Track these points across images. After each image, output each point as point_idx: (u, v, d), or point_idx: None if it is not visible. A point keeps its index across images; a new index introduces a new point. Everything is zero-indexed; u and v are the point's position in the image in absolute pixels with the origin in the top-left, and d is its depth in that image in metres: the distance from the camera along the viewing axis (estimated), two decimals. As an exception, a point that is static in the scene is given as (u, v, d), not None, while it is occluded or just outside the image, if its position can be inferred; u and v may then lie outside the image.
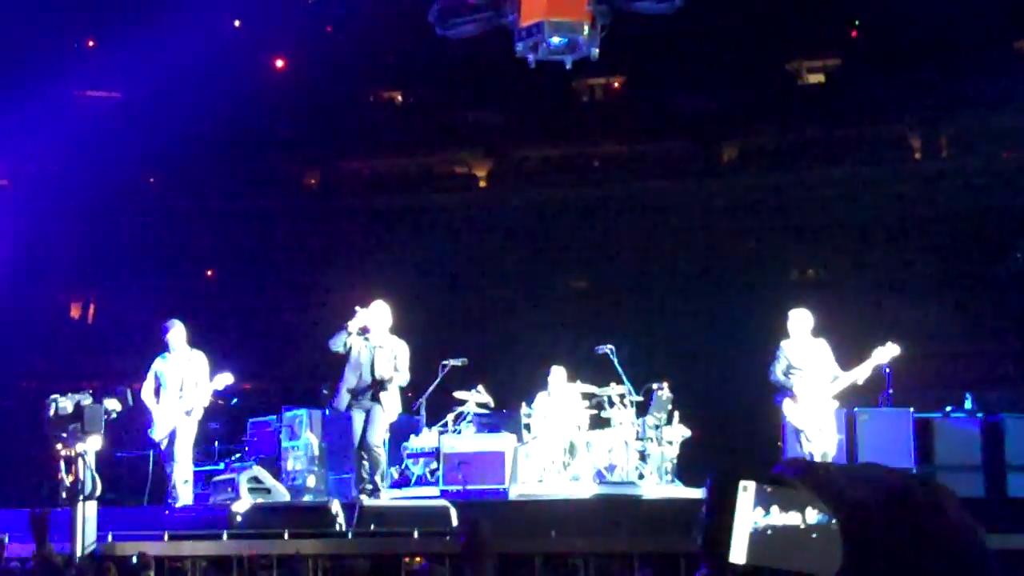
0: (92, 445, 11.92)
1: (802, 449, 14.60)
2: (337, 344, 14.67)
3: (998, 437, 16.26)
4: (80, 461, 11.83)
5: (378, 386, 14.51)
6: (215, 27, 25.38)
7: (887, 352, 14.67)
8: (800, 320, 14.89)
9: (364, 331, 14.66)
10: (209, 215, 30.53)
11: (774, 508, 1.77)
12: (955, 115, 30.30)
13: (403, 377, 14.67)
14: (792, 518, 1.77)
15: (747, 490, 1.76)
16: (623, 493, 15.65)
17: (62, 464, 12.06)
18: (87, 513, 12.00)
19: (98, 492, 11.95)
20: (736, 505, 1.76)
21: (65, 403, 11.95)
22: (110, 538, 13.55)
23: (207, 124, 31.45)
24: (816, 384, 14.60)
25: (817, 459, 14.46)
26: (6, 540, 12.16)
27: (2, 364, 24.98)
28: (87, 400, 12.03)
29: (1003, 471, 15.97)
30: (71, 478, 11.96)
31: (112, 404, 12.11)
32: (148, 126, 30.22)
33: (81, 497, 11.89)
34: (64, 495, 12.08)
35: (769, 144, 32.43)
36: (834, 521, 1.74)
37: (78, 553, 11.92)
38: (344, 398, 14.67)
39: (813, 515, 1.77)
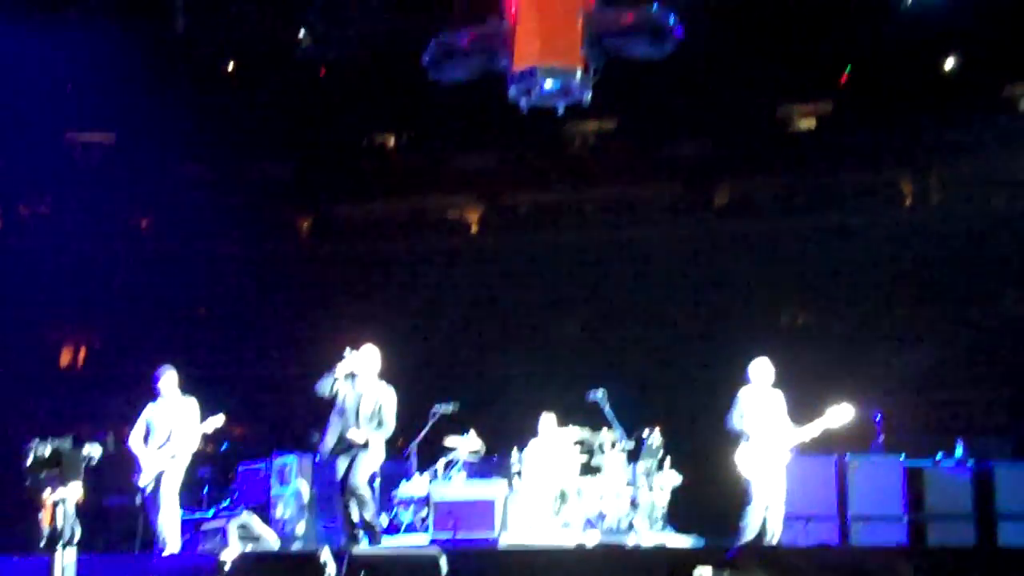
0: (72, 492, 11.77)
1: (750, 500, 14.58)
2: (324, 388, 14.57)
3: (988, 485, 16.23)
4: (59, 508, 11.70)
5: (365, 433, 14.43)
6: (209, 69, 25.43)
7: (842, 413, 14.63)
8: (761, 370, 14.93)
9: (351, 376, 14.57)
10: (201, 259, 30.50)
11: None
12: (946, 161, 30.40)
13: (386, 431, 14.52)
14: None
15: None
16: (614, 542, 15.56)
17: (43, 511, 11.92)
18: (66, 561, 11.84)
19: (76, 539, 11.80)
20: None
21: (44, 448, 11.83)
22: (98, 587, 13.44)
23: (200, 167, 31.51)
24: (769, 435, 14.58)
25: (761, 509, 14.49)
26: None
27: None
28: (67, 445, 11.91)
29: (994, 520, 15.92)
30: (50, 525, 11.83)
31: (93, 450, 11.98)
32: (141, 169, 30.25)
33: (60, 544, 11.75)
34: (43, 543, 11.94)
35: (760, 189, 32.49)
36: None
37: None
38: (329, 444, 14.57)
39: None
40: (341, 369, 14.48)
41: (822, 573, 11.64)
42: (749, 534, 14.55)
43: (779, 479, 14.74)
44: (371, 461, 14.50)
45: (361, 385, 14.51)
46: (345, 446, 14.44)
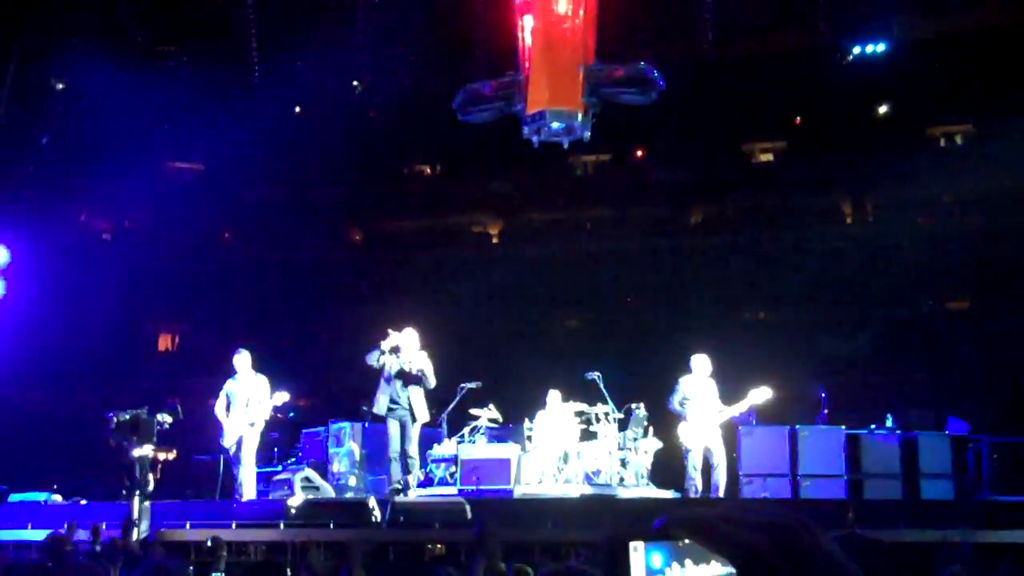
0: (146, 451, 11.84)
1: (689, 465, 14.87)
2: (372, 359, 14.68)
3: (913, 450, 16.22)
4: (137, 465, 11.77)
5: (411, 394, 14.53)
6: (281, 111, 25.48)
7: (760, 394, 14.85)
8: (701, 363, 15.24)
9: (395, 350, 14.68)
10: (273, 263, 30.60)
11: (687, 561, 1.54)
12: (879, 188, 30.34)
13: (429, 382, 14.72)
14: (705, 570, 1.54)
15: (637, 550, 1.51)
16: (607, 493, 15.61)
17: (130, 466, 12.00)
18: (142, 506, 11.92)
19: (150, 489, 11.86)
20: (630, 565, 1.51)
21: (123, 417, 11.89)
22: (188, 526, 13.55)
23: (271, 190, 31.60)
24: (704, 414, 14.84)
25: (696, 471, 14.68)
26: (103, 527, 12.15)
27: (105, 385, 24.98)
28: (143, 414, 11.98)
29: (917, 478, 15.93)
30: (129, 478, 11.90)
31: (164, 417, 12.07)
32: (225, 191, 30.33)
33: (137, 493, 11.82)
34: (124, 492, 12.01)
35: (728, 210, 32.48)
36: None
37: (133, 539, 11.88)
38: (381, 405, 14.68)
39: (719, 567, 1.54)
40: (387, 344, 14.60)
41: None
42: (695, 490, 14.77)
43: (718, 446, 14.92)
44: (419, 425, 14.65)
45: (404, 357, 14.63)
46: (394, 406, 14.56)
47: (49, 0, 21.65)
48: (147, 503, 12.00)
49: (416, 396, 14.60)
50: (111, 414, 11.99)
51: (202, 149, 29.21)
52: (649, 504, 14.55)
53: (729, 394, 15.38)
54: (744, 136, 32.00)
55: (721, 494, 14.71)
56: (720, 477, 14.80)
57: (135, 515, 11.90)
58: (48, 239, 24.89)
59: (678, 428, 15.09)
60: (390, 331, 14.79)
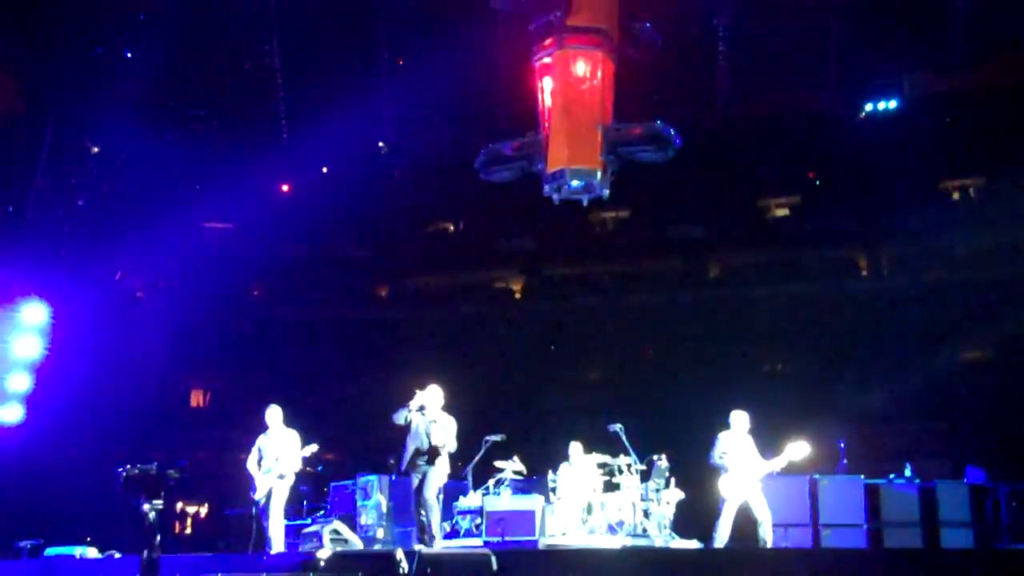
0: (155, 506, 11.76)
1: (722, 514, 14.80)
2: (399, 418, 14.71)
3: (932, 499, 16.11)
4: (146, 519, 11.69)
5: (433, 453, 14.51)
6: (307, 174, 25.62)
7: (798, 449, 14.76)
8: (740, 419, 15.19)
9: (421, 408, 14.70)
10: (301, 320, 30.67)
11: None
12: (893, 241, 30.23)
13: (452, 446, 14.71)
14: None
15: None
16: (630, 544, 15.50)
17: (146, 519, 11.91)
18: (153, 557, 11.81)
19: (157, 542, 11.76)
20: None
21: (133, 472, 11.85)
22: (218, 578, 13.49)
23: (300, 248, 31.72)
24: (744, 468, 14.75)
25: (728, 523, 14.57)
26: None
27: (138, 440, 25.02)
28: (152, 470, 11.93)
29: (937, 527, 15.79)
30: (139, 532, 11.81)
31: (172, 473, 12.01)
32: (254, 250, 30.45)
33: (147, 546, 11.73)
34: (146, 555, 11.92)
35: (745, 264, 32.41)
36: None
37: None
38: (406, 461, 14.71)
39: None
40: (414, 403, 14.62)
41: (799, 569, 11.60)
42: (719, 541, 14.64)
43: (759, 501, 14.78)
44: (438, 477, 14.59)
45: (430, 415, 14.63)
46: (418, 463, 14.53)
47: (84, 66, 21.87)
48: (156, 556, 11.91)
49: (441, 454, 14.59)
50: (121, 469, 11.97)
51: (233, 209, 29.35)
52: (672, 554, 14.42)
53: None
54: (759, 192, 31.99)
55: (763, 545, 14.56)
56: (767, 532, 14.67)
57: (144, 566, 11.84)
58: (85, 297, 24.99)
59: (718, 480, 15.00)
60: (417, 391, 14.84)
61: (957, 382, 27.32)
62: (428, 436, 14.58)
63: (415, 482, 14.63)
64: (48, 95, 22.26)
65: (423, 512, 14.49)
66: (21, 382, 21.21)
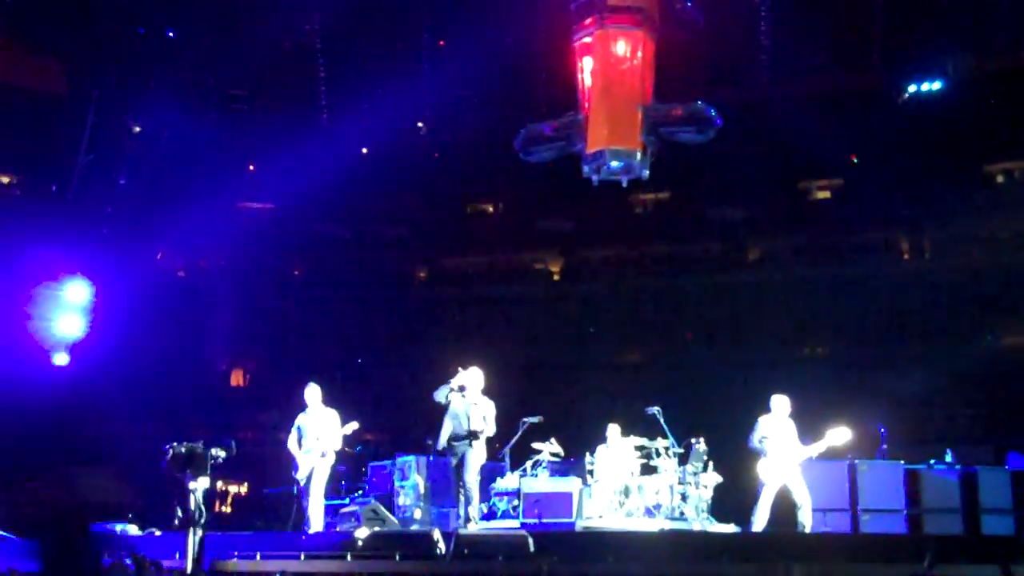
0: (201, 484, 11.78)
1: (761, 498, 14.69)
2: (440, 395, 14.69)
3: (973, 485, 15.94)
4: (191, 496, 11.71)
5: (471, 436, 14.48)
6: (347, 153, 25.62)
7: (839, 435, 14.62)
8: (780, 403, 15.02)
9: (462, 389, 14.68)
10: (341, 301, 30.76)
11: None
12: (936, 223, 29.91)
13: (490, 430, 14.67)
14: None
15: None
16: (668, 528, 15.44)
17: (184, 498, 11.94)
18: (196, 537, 11.85)
19: (203, 521, 11.79)
20: None
21: (179, 450, 11.87)
22: (258, 557, 13.56)
23: (340, 229, 31.80)
24: (784, 452, 14.64)
25: (767, 508, 14.47)
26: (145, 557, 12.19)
27: (179, 419, 25.18)
28: (198, 448, 11.94)
29: (978, 514, 15.63)
30: (184, 510, 11.84)
31: (218, 452, 12.01)
32: (294, 230, 30.55)
33: (192, 525, 11.75)
34: (177, 523, 11.96)
35: (786, 247, 32.18)
36: None
37: (188, 569, 11.85)
38: (443, 441, 14.68)
39: None
40: (455, 382, 14.61)
41: (839, 554, 11.50)
42: (757, 525, 14.55)
43: (799, 486, 14.68)
44: (477, 459, 14.57)
45: (470, 397, 14.61)
46: (456, 444, 14.53)
47: (126, 47, 21.99)
48: (200, 534, 11.95)
49: (479, 438, 14.56)
50: (167, 446, 12.00)
51: (273, 189, 29.44)
52: (711, 538, 14.36)
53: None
54: (801, 174, 31.72)
55: (802, 530, 14.46)
56: (806, 517, 14.58)
57: (190, 546, 11.87)
58: (127, 277, 25.17)
59: (757, 464, 14.91)
60: (459, 369, 14.82)
61: (999, 366, 27.01)
62: (468, 418, 14.56)
63: (453, 463, 14.64)
64: (90, 76, 22.40)
65: (462, 495, 14.50)
66: (63, 359, 21.40)
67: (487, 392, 14.88)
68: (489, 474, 16.63)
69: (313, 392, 15.58)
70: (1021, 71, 23.90)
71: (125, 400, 24.98)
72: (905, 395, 25.86)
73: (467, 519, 14.33)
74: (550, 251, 33.89)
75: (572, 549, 12.62)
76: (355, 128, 24.03)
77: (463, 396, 14.68)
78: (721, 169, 29.08)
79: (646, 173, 16.61)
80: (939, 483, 16.00)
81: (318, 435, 15.25)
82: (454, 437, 14.61)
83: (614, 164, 16.31)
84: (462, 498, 14.54)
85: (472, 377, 14.76)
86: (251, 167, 27.09)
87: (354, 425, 15.49)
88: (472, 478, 14.55)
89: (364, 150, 26.66)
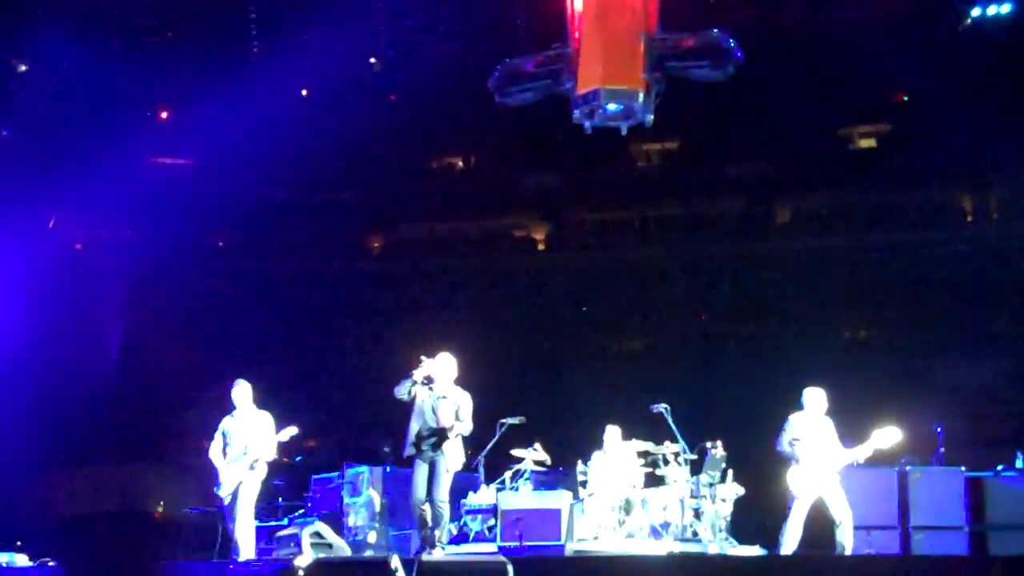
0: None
1: (791, 515, 14.73)
2: (402, 391, 14.68)
3: (1050, 496, 16.07)
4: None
5: (441, 435, 14.50)
6: (283, 97, 25.57)
7: (887, 436, 14.70)
8: (814, 397, 15.07)
9: (429, 380, 14.68)
10: (277, 278, 30.75)
11: None
12: (1005, 177, 30.05)
13: (465, 427, 14.67)
14: None
15: None
16: (679, 551, 15.53)
17: None
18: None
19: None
20: None
21: None
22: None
23: (275, 190, 31.75)
24: (819, 457, 14.71)
25: (798, 526, 14.57)
26: None
27: (76, 428, 25.17)
28: None
29: (1055, 529, 15.75)
30: None
31: None
32: (219, 192, 30.49)
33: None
34: None
35: (822, 207, 32.30)
36: None
37: None
38: (409, 448, 14.67)
39: None
40: (419, 374, 14.60)
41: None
42: (786, 546, 14.62)
43: (837, 498, 14.76)
44: (449, 467, 14.58)
45: (439, 389, 14.62)
46: (423, 449, 14.54)
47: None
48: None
49: (450, 437, 14.56)
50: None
51: (192, 142, 29.36)
52: (732, 564, 14.46)
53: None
54: (840, 118, 31.82)
55: (842, 553, 14.55)
56: (846, 536, 14.67)
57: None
58: (9, 251, 25.09)
59: (787, 473, 15.00)
60: (423, 358, 14.80)
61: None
62: (435, 414, 14.57)
63: (419, 474, 14.61)
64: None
65: (427, 510, 14.52)
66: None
67: (460, 383, 14.90)
68: (460, 487, 16.67)
69: (242, 390, 15.57)
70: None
71: (7, 407, 24.89)
72: (967, 387, 26.07)
73: (432, 544, 14.36)
74: (533, 215, 33.96)
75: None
76: (292, 66, 23.97)
77: (430, 390, 14.69)
78: (742, 113, 29.16)
79: (650, 118, 16.57)
80: (1008, 493, 16.12)
81: (247, 442, 15.27)
82: (420, 440, 14.58)
83: (611, 107, 16.26)
84: (427, 517, 14.57)
85: (441, 365, 14.75)
86: (164, 115, 26.98)
87: (292, 430, 15.50)
88: (443, 494, 14.56)
89: (304, 92, 26.61)
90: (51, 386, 26.08)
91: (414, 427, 14.65)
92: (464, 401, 14.69)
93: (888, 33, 25.55)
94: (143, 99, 25.76)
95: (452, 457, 14.62)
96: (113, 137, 26.01)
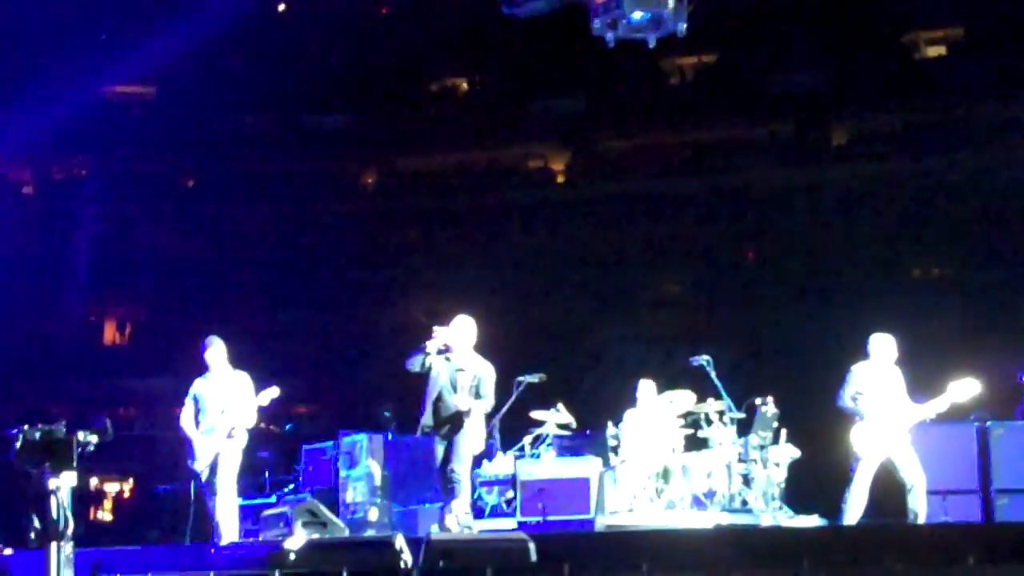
0: (66, 481, 11.80)
1: (855, 478, 14.65)
2: (415, 364, 14.62)
3: None
4: (52, 499, 11.75)
5: (458, 417, 14.48)
6: (259, 8, 25.53)
7: (965, 388, 14.60)
8: (882, 345, 14.86)
9: (445, 349, 14.62)
10: (255, 221, 30.76)
11: None
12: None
13: (487, 404, 14.60)
14: None
15: None
16: (726, 523, 15.54)
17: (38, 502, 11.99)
18: (62, 555, 11.90)
19: (71, 532, 11.85)
20: None
21: (33, 435, 11.88)
22: (149, 580, 13.64)
23: (251, 118, 31.70)
24: (887, 413, 14.63)
25: (864, 491, 14.53)
26: None
27: (31, 391, 25.24)
28: (59, 431, 11.96)
29: None
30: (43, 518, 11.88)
31: (87, 437, 12.01)
32: (186, 124, 30.48)
33: (55, 538, 11.80)
34: (34, 536, 12.01)
35: (883, 127, 32.23)
36: None
37: None
38: (425, 421, 14.66)
39: None
40: (432, 344, 14.54)
41: (964, 552, 11.58)
42: (850, 515, 14.58)
43: (908, 459, 14.72)
44: (470, 444, 14.56)
45: (457, 360, 14.56)
46: (441, 426, 14.53)
47: None
48: (69, 551, 12.00)
49: (471, 412, 14.55)
50: (15, 430, 11.99)
51: (153, 66, 29.34)
52: (789, 536, 14.46)
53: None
54: (905, 23, 31.71)
55: (915, 521, 14.53)
56: (918, 502, 14.63)
57: (52, 567, 11.93)
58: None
59: (851, 431, 14.96)
60: (435, 328, 14.74)
61: None
62: (454, 388, 14.56)
63: (438, 452, 14.63)
64: None
65: (449, 487, 14.53)
66: None
67: (479, 348, 14.84)
68: (473, 456, 16.68)
69: (216, 350, 15.50)
70: None
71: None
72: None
73: (445, 517, 14.38)
74: (551, 142, 33.87)
75: (591, 556, 12.69)
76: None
77: (447, 360, 14.64)
78: (790, 20, 29.05)
79: (683, 27, 16.47)
80: (1106, 451, 16.11)
81: (223, 408, 15.22)
82: (438, 416, 14.57)
83: (636, 16, 16.12)
84: (447, 490, 14.58)
85: (457, 333, 14.66)
86: (121, 37, 26.95)
87: (273, 392, 15.42)
88: (463, 467, 14.55)
89: (282, 6, 26.57)
90: (6, 347, 26.26)
91: (430, 401, 14.64)
92: (486, 373, 14.59)
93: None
94: (97, 21, 25.76)
95: (471, 433, 14.61)
96: (64, 63, 26.01)
